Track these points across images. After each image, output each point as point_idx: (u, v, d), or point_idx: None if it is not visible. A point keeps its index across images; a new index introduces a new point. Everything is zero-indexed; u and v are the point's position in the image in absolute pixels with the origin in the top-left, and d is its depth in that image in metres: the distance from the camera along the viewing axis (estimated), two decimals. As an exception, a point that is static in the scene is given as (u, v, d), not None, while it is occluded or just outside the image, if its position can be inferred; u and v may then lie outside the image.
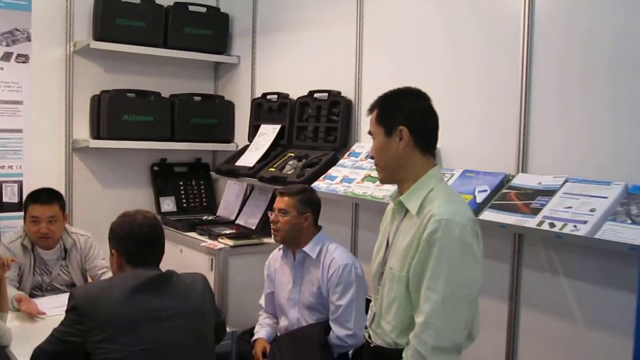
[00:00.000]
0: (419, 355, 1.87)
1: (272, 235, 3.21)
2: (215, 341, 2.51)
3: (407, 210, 2.04)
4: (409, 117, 2.03)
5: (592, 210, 2.38)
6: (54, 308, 3.12)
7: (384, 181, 2.20)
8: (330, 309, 2.98)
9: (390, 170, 2.09)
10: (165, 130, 4.59)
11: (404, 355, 1.94)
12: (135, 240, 2.38)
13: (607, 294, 2.48)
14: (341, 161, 3.60)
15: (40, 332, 2.49)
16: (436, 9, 3.27)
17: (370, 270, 2.26)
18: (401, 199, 2.06)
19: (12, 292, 3.13)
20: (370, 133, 2.13)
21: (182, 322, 2.30)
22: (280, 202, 3.13)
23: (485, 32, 3.01)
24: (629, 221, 2.25)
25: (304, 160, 3.81)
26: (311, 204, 3.13)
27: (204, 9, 4.75)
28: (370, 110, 2.13)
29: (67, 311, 2.28)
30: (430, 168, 2.06)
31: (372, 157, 2.15)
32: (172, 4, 4.63)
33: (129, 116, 4.40)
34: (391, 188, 3.00)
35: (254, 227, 4.28)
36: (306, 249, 3.08)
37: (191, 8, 4.68)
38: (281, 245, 3.23)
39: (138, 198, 4.65)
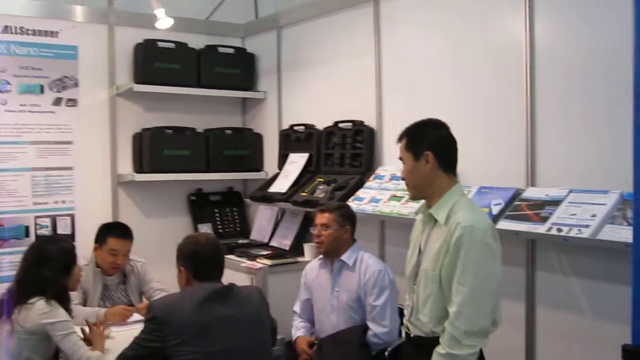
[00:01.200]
0: (454, 339, 2.26)
1: (316, 248, 3.59)
2: (270, 344, 2.90)
3: (436, 221, 2.44)
4: (433, 143, 2.46)
5: (593, 215, 2.74)
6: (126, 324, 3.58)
7: (414, 198, 2.62)
8: (367, 310, 3.35)
9: (419, 188, 2.51)
10: (201, 162, 5.00)
11: (440, 340, 2.32)
12: (201, 258, 2.77)
13: (608, 288, 2.84)
14: (367, 184, 3.98)
15: (120, 343, 2.87)
16: (446, 40, 3.68)
17: (405, 273, 2.65)
18: (431, 211, 2.47)
19: (89, 309, 3.57)
20: (401, 159, 2.55)
21: (245, 327, 2.68)
22: (322, 218, 3.52)
23: (491, 59, 3.41)
24: (625, 223, 2.62)
25: (332, 185, 4.19)
26: (349, 217, 3.54)
27: (231, 50, 5.18)
28: (399, 139, 2.55)
29: (146, 321, 2.66)
30: (453, 185, 2.48)
31: (403, 179, 2.57)
32: (203, 46, 5.07)
33: (168, 151, 4.82)
34: (415, 205, 3.38)
35: (287, 248, 4.66)
36: (344, 257, 3.46)
37: (220, 50, 5.12)
38: (320, 257, 3.60)
39: (178, 226, 5.02)
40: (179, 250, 2.85)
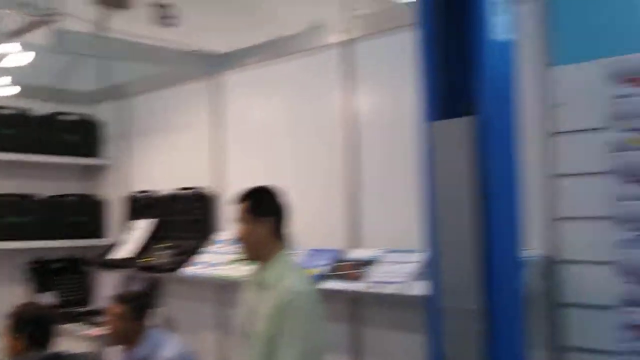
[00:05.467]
0: None
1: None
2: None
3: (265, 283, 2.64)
4: (273, 210, 2.71)
5: (406, 272, 3.04)
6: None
7: (248, 259, 2.76)
8: None
9: (254, 250, 2.70)
10: (40, 229, 4.92)
11: None
12: (44, 323, 2.79)
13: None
14: (207, 248, 4.13)
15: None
16: (279, 112, 3.98)
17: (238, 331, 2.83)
18: (263, 274, 2.67)
19: None
20: (239, 220, 2.70)
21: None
22: (115, 308, 3.11)
23: (322, 131, 3.71)
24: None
25: (175, 250, 4.29)
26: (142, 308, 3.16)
27: (75, 117, 5.20)
28: (240, 200, 2.72)
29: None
30: (282, 250, 2.71)
31: (239, 239, 2.72)
32: (47, 113, 5.06)
33: (7, 218, 4.73)
34: (244, 268, 3.53)
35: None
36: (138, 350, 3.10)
37: (62, 117, 5.12)
38: None
39: (17, 295, 4.85)
40: (16, 316, 2.82)
